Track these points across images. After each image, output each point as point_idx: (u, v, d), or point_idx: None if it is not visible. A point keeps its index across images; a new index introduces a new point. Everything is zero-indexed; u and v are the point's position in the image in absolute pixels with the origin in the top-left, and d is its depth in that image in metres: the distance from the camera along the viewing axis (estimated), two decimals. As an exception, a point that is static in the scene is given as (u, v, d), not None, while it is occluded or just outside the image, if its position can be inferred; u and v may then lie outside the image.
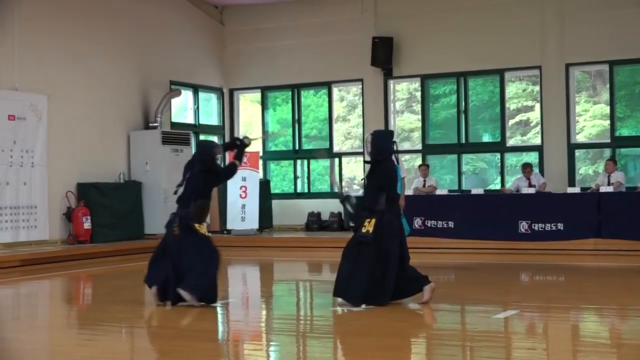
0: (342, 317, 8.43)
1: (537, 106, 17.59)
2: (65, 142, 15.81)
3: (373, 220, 8.47)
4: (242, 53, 19.82)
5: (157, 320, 8.51)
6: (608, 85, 16.87)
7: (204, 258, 8.81)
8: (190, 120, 19.35)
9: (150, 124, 17.55)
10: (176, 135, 17.55)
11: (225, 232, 17.98)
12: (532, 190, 15.04)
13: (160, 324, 8.19)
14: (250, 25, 19.71)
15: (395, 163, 8.99)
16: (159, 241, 9.23)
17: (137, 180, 17.11)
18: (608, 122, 16.87)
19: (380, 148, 8.72)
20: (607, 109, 16.89)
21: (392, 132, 9.83)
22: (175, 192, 9.27)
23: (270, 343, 7.29)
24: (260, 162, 19.03)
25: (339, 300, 8.63)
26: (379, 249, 8.43)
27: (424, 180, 16.37)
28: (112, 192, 16.36)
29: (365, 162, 9.11)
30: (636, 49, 16.21)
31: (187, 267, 8.71)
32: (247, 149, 9.56)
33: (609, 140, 16.83)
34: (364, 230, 8.48)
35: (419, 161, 18.15)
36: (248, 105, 20.90)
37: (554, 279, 11.82)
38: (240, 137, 9.44)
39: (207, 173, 9.05)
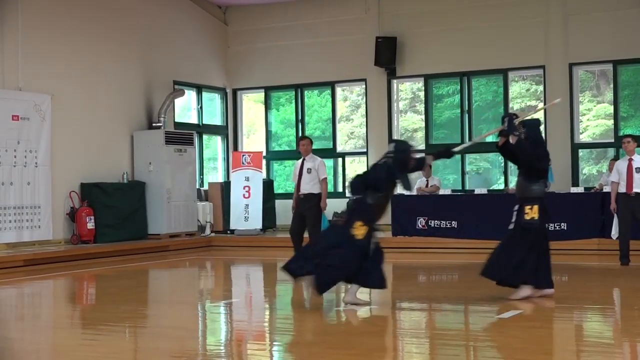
0: (345, 317, 8.43)
1: (541, 106, 17.57)
2: (68, 142, 15.83)
3: (535, 207, 8.88)
4: (246, 53, 19.83)
5: (160, 320, 8.52)
6: (612, 85, 16.85)
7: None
8: (193, 120, 19.36)
9: (154, 124, 17.56)
10: (180, 135, 17.56)
11: (228, 232, 17.99)
12: (535, 190, 15.00)
13: (163, 324, 8.20)
14: (253, 25, 19.71)
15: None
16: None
17: (141, 180, 17.12)
18: (612, 121, 16.86)
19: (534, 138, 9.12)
20: (611, 109, 16.87)
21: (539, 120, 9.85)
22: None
23: (274, 343, 7.28)
24: (264, 162, 19.03)
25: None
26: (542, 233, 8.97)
27: (427, 180, 16.37)
28: (116, 192, 16.37)
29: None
30: (640, 48, 16.22)
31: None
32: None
33: (612, 140, 16.81)
34: (527, 217, 8.88)
35: (422, 161, 18.10)
36: (251, 105, 20.91)
37: (558, 278, 11.76)
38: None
39: (393, 171, 8.68)
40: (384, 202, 8.78)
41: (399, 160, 8.72)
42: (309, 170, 12.53)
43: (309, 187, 12.48)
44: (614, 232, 12.90)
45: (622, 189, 12.32)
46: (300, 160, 12.68)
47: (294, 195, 12.67)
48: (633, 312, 8.51)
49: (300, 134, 19.50)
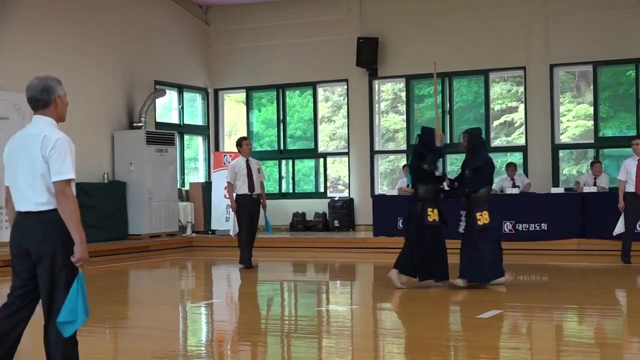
0: (326, 317, 8.44)
1: (522, 107, 17.65)
2: (49, 142, 15.71)
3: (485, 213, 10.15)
4: (227, 53, 19.79)
5: (141, 321, 8.50)
6: (592, 86, 16.94)
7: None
8: (174, 120, 19.31)
9: (135, 124, 17.50)
10: (161, 135, 17.50)
11: (209, 232, 17.96)
12: (516, 191, 15.08)
13: (145, 324, 8.17)
14: (235, 25, 19.68)
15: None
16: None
17: (122, 180, 17.05)
18: (592, 122, 16.95)
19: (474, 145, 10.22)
20: (591, 110, 16.96)
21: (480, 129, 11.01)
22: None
23: (255, 343, 7.27)
24: (245, 162, 18.98)
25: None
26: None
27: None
28: (96, 193, 16.29)
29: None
30: (620, 50, 16.30)
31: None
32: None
33: (592, 141, 16.90)
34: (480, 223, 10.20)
35: (403, 161, 18.16)
36: (233, 105, 20.88)
37: (538, 279, 11.87)
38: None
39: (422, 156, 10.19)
40: None
41: (422, 143, 10.40)
42: (259, 170, 12.77)
43: (257, 186, 12.83)
44: (618, 230, 12.67)
45: (631, 188, 12.35)
46: (242, 160, 12.86)
47: (239, 197, 12.75)
48: (612, 311, 8.56)
49: (282, 135, 19.51)
